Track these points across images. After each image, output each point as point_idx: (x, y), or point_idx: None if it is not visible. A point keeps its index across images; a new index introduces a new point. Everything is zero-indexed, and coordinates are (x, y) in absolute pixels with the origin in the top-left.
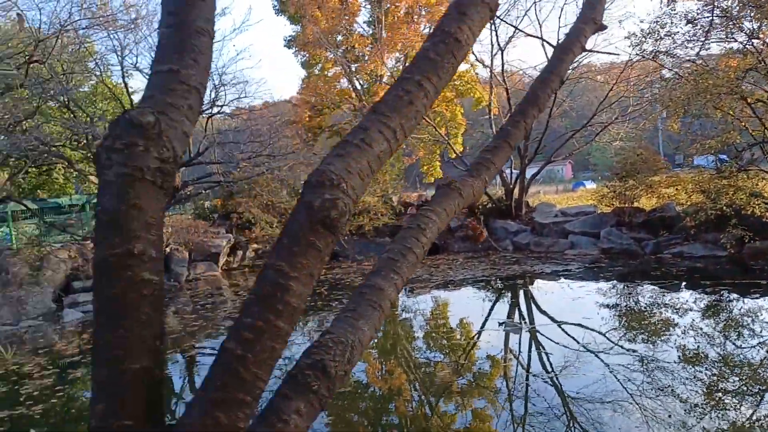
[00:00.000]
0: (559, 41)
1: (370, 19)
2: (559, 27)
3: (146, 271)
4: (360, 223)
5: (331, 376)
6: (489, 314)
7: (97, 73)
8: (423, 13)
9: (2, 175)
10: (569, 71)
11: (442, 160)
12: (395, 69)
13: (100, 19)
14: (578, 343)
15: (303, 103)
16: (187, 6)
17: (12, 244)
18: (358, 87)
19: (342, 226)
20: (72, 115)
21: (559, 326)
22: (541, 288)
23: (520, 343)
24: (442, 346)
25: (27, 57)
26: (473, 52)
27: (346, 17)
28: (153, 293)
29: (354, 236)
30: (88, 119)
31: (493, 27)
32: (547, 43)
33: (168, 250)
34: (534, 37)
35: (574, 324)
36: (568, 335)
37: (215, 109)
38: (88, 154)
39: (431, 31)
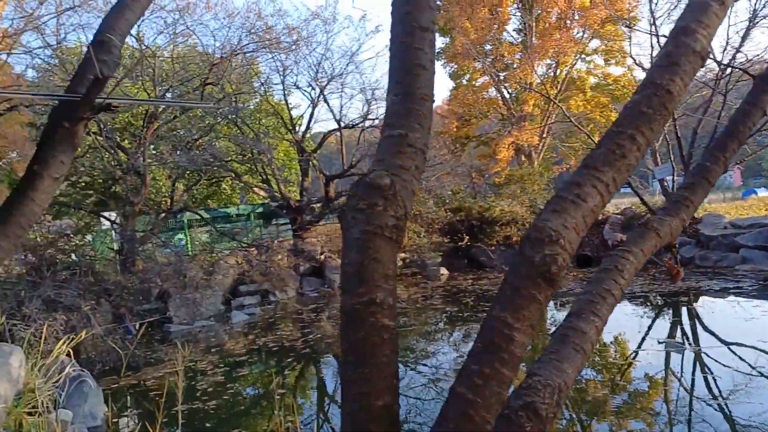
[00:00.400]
0: (735, 43)
1: (520, 27)
2: (729, 25)
3: (386, 317)
4: (507, 234)
5: (542, 418)
6: (647, 332)
7: (261, 91)
8: (576, 17)
9: (180, 188)
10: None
11: None
12: (546, 76)
13: (266, 42)
14: (751, 366)
15: (450, 113)
16: (412, 76)
17: (188, 251)
18: (507, 96)
19: (561, 280)
20: (239, 131)
21: (729, 348)
22: (707, 306)
23: (682, 364)
24: (595, 363)
25: (202, 80)
26: (631, 55)
27: (496, 26)
28: (391, 337)
29: (501, 246)
30: (254, 135)
31: (653, 28)
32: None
33: (322, 257)
34: None
35: (747, 346)
36: (739, 358)
37: (367, 123)
38: (252, 167)
39: (641, 82)
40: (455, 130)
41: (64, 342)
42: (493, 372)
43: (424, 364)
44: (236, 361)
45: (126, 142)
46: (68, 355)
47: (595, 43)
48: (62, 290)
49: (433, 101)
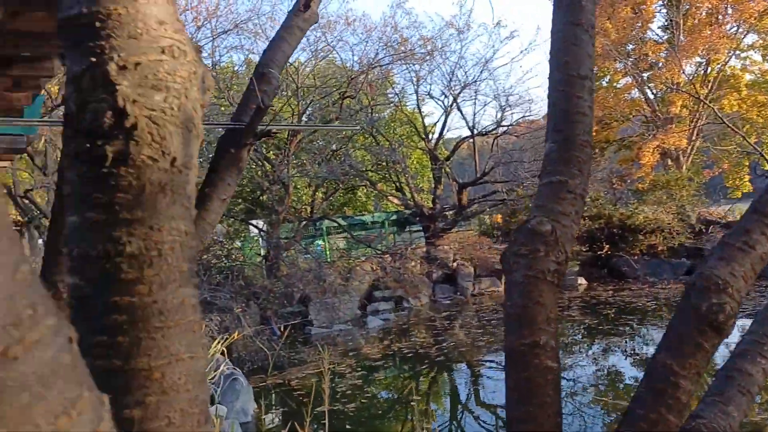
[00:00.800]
0: None
1: (666, 24)
2: None
3: (549, 359)
4: (652, 243)
5: None
6: None
7: (396, 101)
8: (729, 11)
9: (319, 196)
10: None
11: (753, 174)
12: (695, 75)
13: (401, 53)
14: None
15: None
16: (572, 124)
17: (326, 257)
18: (651, 97)
19: (730, 329)
20: (374, 141)
21: None
22: None
23: None
24: None
25: (341, 93)
26: None
27: (639, 25)
28: (554, 378)
29: (645, 256)
30: (388, 144)
31: None
32: None
33: (455, 265)
34: None
35: None
36: None
37: (501, 130)
38: (386, 176)
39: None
40: (594, 134)
41: (219, 341)
42: (658, 417)
43: (562, 377)
44: (372, 365)
45: (271, 153)
46: (222, 353)
47: (751, 38)
48: (217, 293)
49: (592, 146)
